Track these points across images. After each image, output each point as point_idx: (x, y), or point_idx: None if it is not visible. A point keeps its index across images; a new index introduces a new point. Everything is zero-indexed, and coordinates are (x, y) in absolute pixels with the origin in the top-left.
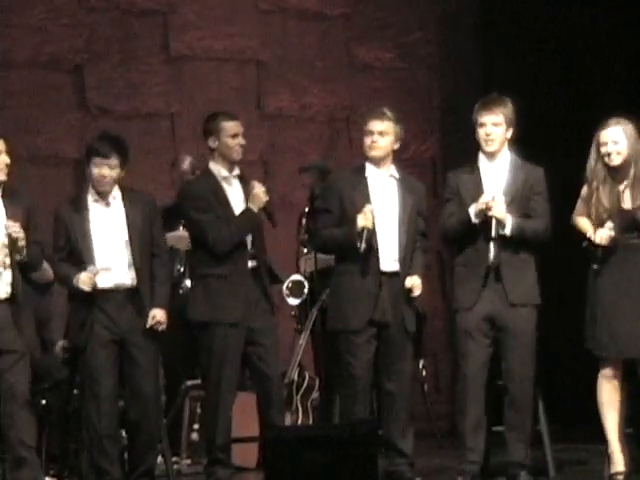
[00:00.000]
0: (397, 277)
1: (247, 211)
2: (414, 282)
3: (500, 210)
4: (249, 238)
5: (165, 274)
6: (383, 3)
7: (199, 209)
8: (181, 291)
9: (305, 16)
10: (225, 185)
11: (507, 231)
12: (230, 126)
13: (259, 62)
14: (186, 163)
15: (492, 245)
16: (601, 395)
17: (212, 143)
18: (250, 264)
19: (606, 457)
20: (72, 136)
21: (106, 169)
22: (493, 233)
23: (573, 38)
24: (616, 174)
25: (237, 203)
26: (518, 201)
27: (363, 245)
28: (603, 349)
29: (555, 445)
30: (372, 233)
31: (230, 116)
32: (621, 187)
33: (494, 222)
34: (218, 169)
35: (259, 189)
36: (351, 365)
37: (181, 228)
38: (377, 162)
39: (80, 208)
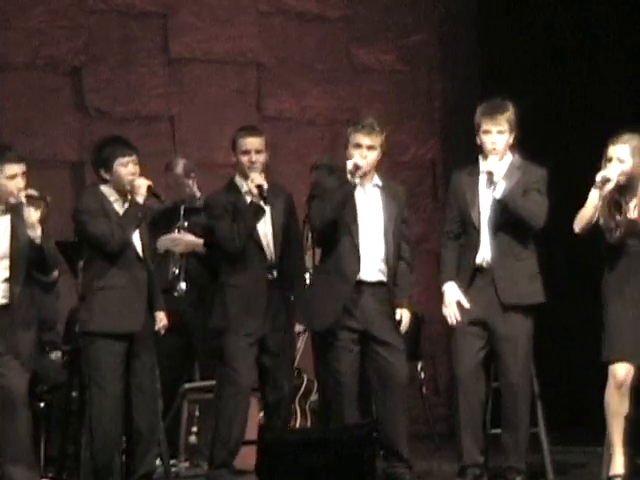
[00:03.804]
0: (383, 286)
1: (250, 205)
2: (404, 317)
3: (491, 164)
4: (270, 250)
5: (157, 277)
6: (383, 5)
7: (213, 217)
8: (176, 294)
9: (305, 18)
10: (249, 198)
11: (497, 194)
12: (240, 143)
13: (259, 64)
14: (179, 167)
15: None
16: (609, 398)
17: (233, 157)
18: (270, 276)
19: (604, 459)
20: (71, 138)
21: (132, 166)
22: (487, 184)
23: (575, 40)
24: (623, 189)
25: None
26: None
27: (357, 180)
28: (612, 354)
29: (554, 448)
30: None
31: (245, 132)
32: (629, 202)
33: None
34: (240, 182)
35: (250, 182)
36: (336, 371)
37: (176, 231)
38: (364, 175)
39: (109, 209)
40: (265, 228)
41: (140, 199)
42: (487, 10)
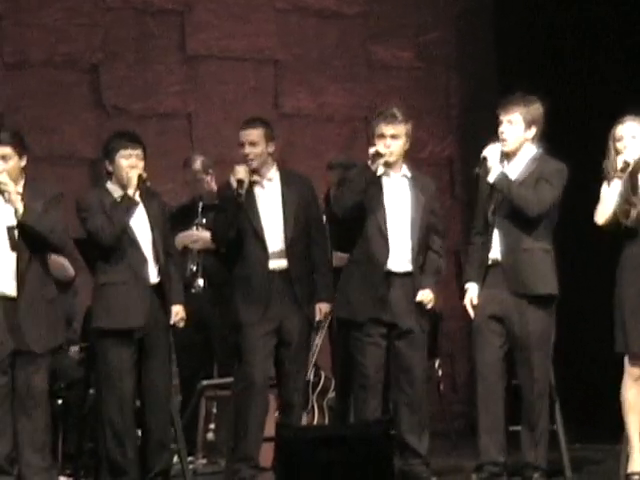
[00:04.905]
0: (410, 277)
1: (233, 199)
2: (425, 297)
3: (488, 150)
4: (276, 239)
5: (178, 272)
6: (401, 2)
7: (218, 209)
8: (194, 291)
9: (323, 15)
10: (257, 189)
11: (490, 178)
12: (239, 136)
13: (276, 61)
14: (198, 163)
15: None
16: (626, 395)
17: None
18: (276, 265)
19: (622, 456)
20: (88, 136)
21: (134, 159)
22: (477, 168)
23: (590, 36)
24: (633, 168)
25: (267, 205)
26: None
27: (380, 169)
28: (630, 345)
29: (571, 445)
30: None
31: (244, 124)
32: (638, 179)
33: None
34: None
35: (232, 176)
36: (362, 365)
37: (194, 228)
38: (390, 165)
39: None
40: (271, 217)
41: (131, 191)
42: (503, 7)
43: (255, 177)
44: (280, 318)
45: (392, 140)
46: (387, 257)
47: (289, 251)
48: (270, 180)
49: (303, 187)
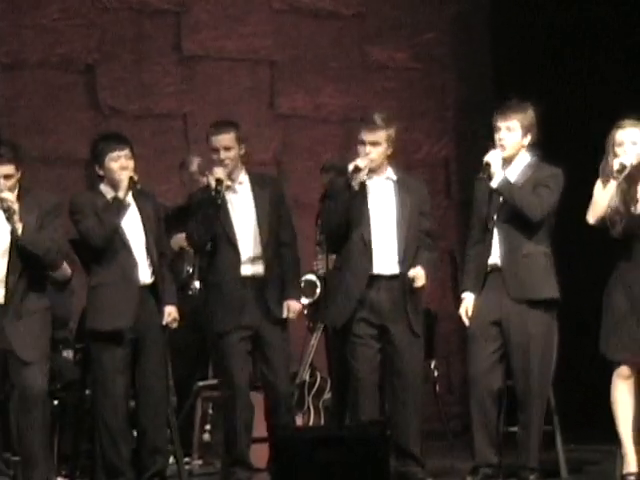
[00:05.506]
0: (397, 279)
1: (209, 199)
2: (417, 272)
3: (491, 156)
4: (249, 244)
5: (172, 272)
6: (397, 3)
7: (192, 212)
8: (190, 292)
9: (319, 16)
10: (229, 193)
11: (493, 183)
12: (210, 140)
13: (272, 62)
14: (194, 164)
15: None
16: (615, 395)
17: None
18: (249, 271)
19: (618, 458)
20: (84, 136)
21: (123, 160)
22: (482, 173)
23: (590, 36)
24: (630, 175)
25: (240, 209)
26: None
27: (356, 182)
28: (616, 353)
29: (567, 446)
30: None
31: (214, 128)
32: (636, 189)
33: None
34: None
35: (211, 175)
36: (355, 367)
37: None
38: (372, 170)
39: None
40: (243, 222)
41: (121, 193)
42: (500, 8)
43: (227, 181)
44: (256, 324)
45: (372, 147)
46: (369, 269)
47: (263, 256)
48: (241, 184)
49: (273, 188)
